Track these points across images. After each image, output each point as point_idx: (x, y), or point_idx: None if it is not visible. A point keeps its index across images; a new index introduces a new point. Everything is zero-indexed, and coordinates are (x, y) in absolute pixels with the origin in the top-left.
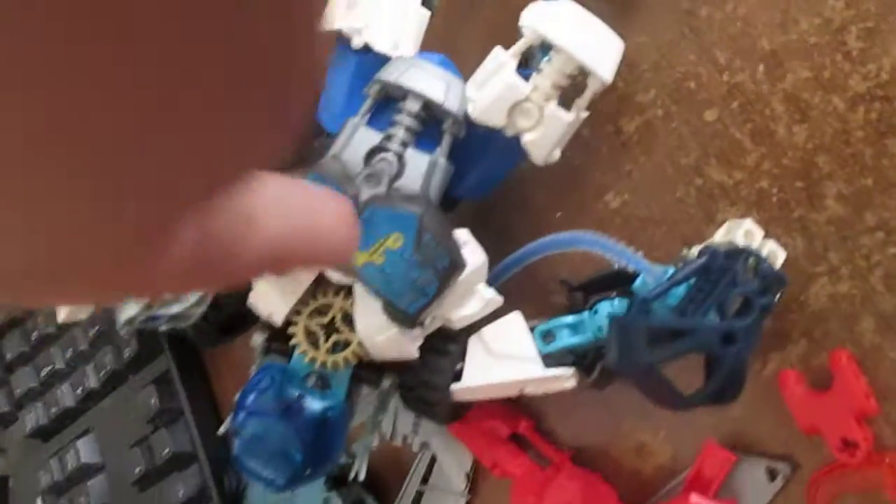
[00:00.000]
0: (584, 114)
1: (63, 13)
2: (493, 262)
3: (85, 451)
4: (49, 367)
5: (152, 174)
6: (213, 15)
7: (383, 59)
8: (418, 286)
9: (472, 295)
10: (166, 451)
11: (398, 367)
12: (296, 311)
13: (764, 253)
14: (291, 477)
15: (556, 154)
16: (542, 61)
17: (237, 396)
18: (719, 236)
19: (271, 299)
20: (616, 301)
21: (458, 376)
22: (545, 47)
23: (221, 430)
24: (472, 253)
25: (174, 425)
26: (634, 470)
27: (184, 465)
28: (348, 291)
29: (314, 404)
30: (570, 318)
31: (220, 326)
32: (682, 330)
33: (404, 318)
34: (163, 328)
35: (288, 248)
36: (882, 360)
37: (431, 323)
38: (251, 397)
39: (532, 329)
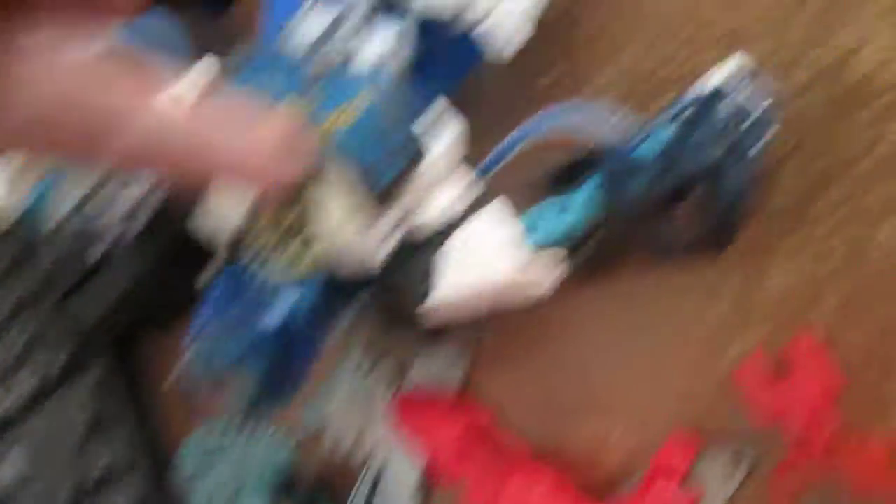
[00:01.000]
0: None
1: None
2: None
3: (14, 464)
4: None
5: None
6: None
7: None
8: (392, 146)
9: (449, 180)
10: (103, 461)
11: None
12: (247, 229)
13: (746, 94)
14: (254, 395)
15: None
16: None
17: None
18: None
19: (219, 213)
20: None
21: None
22: None
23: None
24: (450, 121)
25: (111, 434)
26: (594, 463)
27: (122, 475)
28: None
29: (278, 309)
30: (553, 200)
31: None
32: (670, 163)
33: (370, 200)
34: (99, 252)
35: (55, 119)
36: (845, 345)
37: (406, 217)
38: (207, 305)
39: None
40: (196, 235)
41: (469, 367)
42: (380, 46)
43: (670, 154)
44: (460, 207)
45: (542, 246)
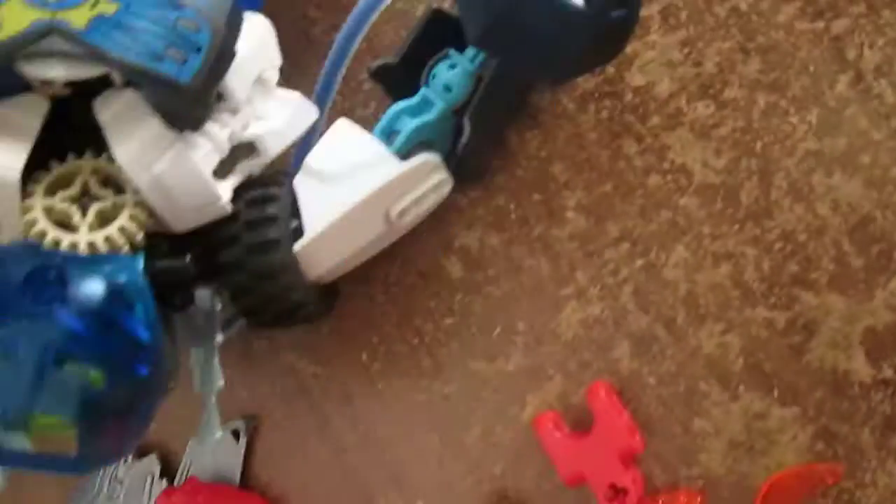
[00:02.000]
0: None
1: None
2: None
3: None
4: None
5: None
6: None
7: None
8: (180, 33)
9: (271, 98)
10: None
11: (214, 246)
12: (25, 195)
13: None
14: (83, 407)
15: None
16: None
17: None
18: None
19: None
20: (454, 57)
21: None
22: None
23: None
24: (250, 19)
25: None
26: None
27: None
28: (96, 146)
29: (91, 282)
30: (405, 103)
31: None
32: None
33: (182, 100)
34: None
35: None
36: (642, 388)
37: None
38: None
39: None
40: None
41: (249, 456)
42: None
43: None
44: (300, 127)
45: (408, 149)
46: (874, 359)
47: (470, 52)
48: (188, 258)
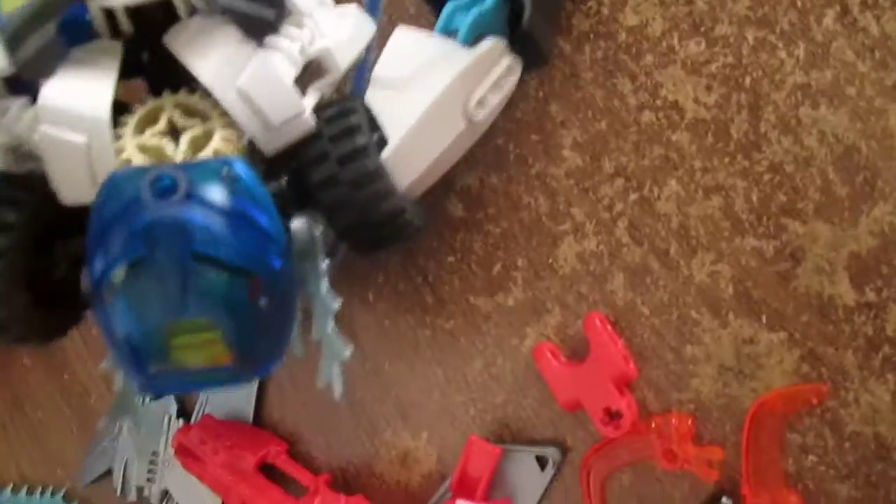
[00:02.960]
0: None
1: None
2: None
3: None
4: None
5: None
6: None
7: None
8: None
9: (331, 13)
10: None
11: (304, 168)
12: (116, 137)
13: None
14: (229, 308)
15: None
16: None
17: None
18: None
19: (78, 93)
20: None
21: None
22: None
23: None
24: None
25: None
26: (400, 482)
27: None
28: (175, 85)
29: (215, 182)
30: (457, 1)
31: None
32: None
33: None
34: None
35: None
36: (636, 317)
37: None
38: (105, 210)
39: None
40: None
41: (261, 396)
42: None
43: None
44: (362, 39)
45: (471, 41)
46: (858, 283)
47: None
48: (283, 180)
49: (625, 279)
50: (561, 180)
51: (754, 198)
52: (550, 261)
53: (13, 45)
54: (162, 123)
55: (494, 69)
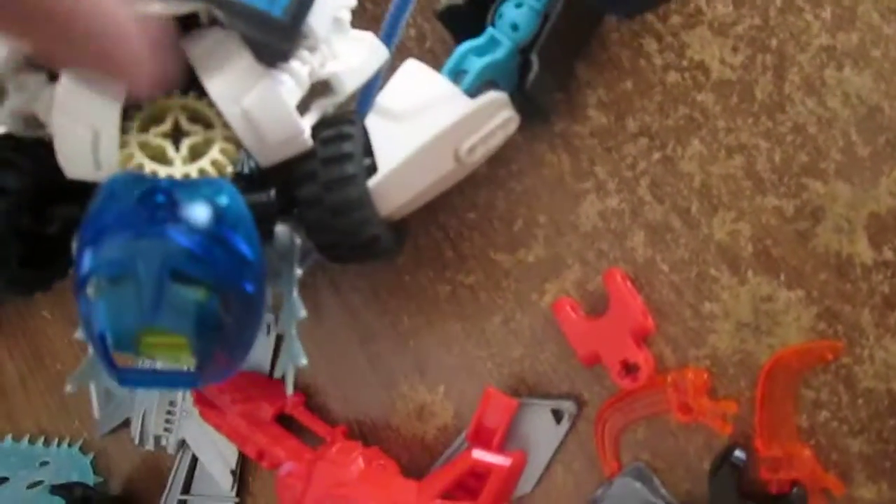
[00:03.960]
0: None
1: None
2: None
3: None
4: None
5: None
6: None
7: None
8: None
9: (346, 38)
10: None
11: (293, 183)
12: (123, 129)
13: None
14: (198, 323)
15: None
16: None
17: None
18: None
19: (83, 103)
20: None
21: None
22: None
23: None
24: None
25: None
26: (417, 435)
27: None
28: (184, 89)
29: (199, 204)
30: (472, 42)
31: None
32: None
33: (275, 33)
34: None
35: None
36: (655, 274)
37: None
38: (101, 215)
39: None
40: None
41: (279, 348)
42: None
43: None
44: (373, 66)
45: (475, 88)
46: (876, 242)
47: None
48: (272, 193)
49: (645, 236)
50: (585, 139)
51: (776, 158)
52: (572, 218)
53: None
54: (167, 124)
55: (491, 121)
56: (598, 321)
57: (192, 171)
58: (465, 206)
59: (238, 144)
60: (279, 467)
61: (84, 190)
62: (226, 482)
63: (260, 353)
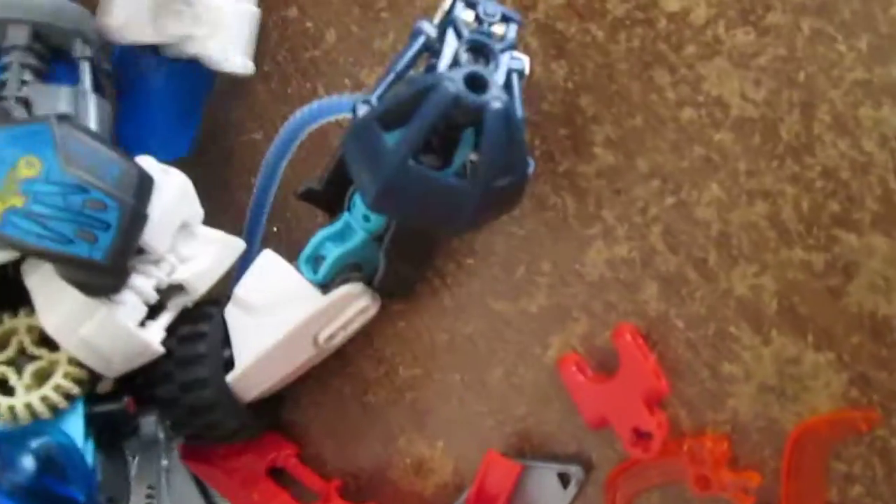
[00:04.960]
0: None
1: None
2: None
3: None
4: None
5: None
6: None
7: None
8: (89, 215)
9: (195, 240)
10: None
11: (149, 382)
12: None
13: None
14: None
15: (249, 59)
16: None
17: None
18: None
19: None
20: None
21: (230, 366)
22: None
23: None
24: (168, 173)
25: None
26: (415, 492)
27: None
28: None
29: (20, 459)
30: (328, 229)
31: None
32: (414, 95)
33: (99, 275)
34: None
35: None
36: (670, 330)
37: (166, 298)
38: None
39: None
40: None
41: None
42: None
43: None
44: (225, 263)
45: (331, 278)
46: None
47: None
48: (124, 401)
49: (658, 289)
50: (591, 180)
51: (804, 206)
52: (577, 266)
53: None
54: (11, 350)
55: (348, 310)
56: (608, 382)
57: (35, 399)
58: (463, 250)
59: (84, 365)
60: None
61: None
62: None
63: None
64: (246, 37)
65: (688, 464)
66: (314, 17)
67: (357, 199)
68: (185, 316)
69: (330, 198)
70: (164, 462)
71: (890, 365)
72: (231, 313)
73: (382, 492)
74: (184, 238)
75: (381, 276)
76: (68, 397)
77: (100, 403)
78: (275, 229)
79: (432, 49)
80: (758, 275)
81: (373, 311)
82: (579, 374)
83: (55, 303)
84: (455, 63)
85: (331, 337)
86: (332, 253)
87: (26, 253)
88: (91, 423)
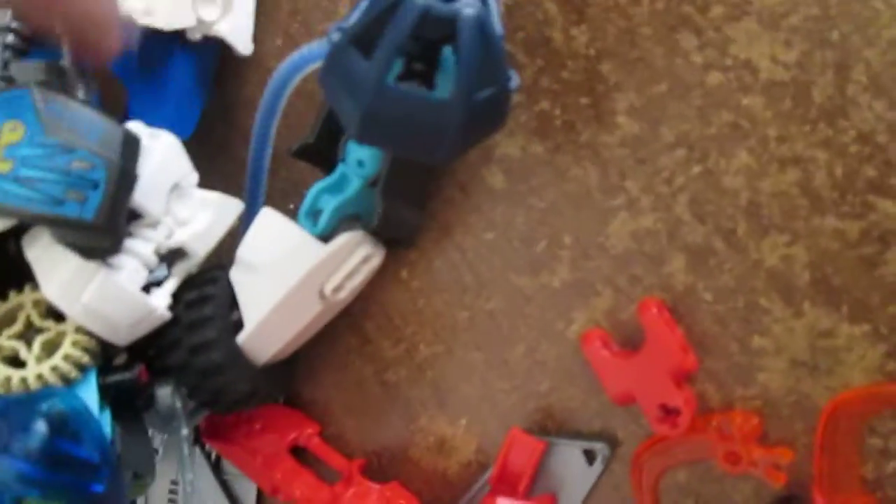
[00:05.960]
0: None
1: None
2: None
3: None
4: None
5: None
6: None
7: None
8: (76, 175)
9: (191, 201)
10: None
11: (160, 351)
12: None
13: None
14: None
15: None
16: None
17: None
18: None
19: None
20: None
21: (240, 329)
22: None
23: None
24: (156, 136)
25: None
26: (437, 471)
27: None
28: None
29: (32, 424)
30: (324, 181)
31: None
32: (384, 11)
33: (92, 235)
34: None
35: None
36: (697, 304)
37: (166, 263)
38: None
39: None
40: None
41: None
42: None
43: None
44: (224, 224)
45: (331, 230)
46: None
47: None
48: (136, 370)
49: (685, 261)
50: (614, 149)
51: (838, 172)
52: (601, 239)
53: None
54: (19, 324)
55: (350, 259)
56: (633, 358)
57: (45, 369)
58: (482, 224)
59: (91, 333)
60: (295, 501)
61: None
62: None
63: None
64: (251, 15)
65: (717, 440)
66: None
67: (349, 147)
68: (191, 282)
69: (325, 153)
70: (185, 431)
71: None
72: (236, 275)
73: (405, 470)
74: (179, 200)
75: (379, 218)
76: (79, 367)
77: (112, 374)
78: (290, 206)
79: None
80: (789, 245)
81: (377, 261)
82: (604, 349)
83: (55, 272)
84: None
85: (337, 289)
86: (330, 204)
87: (18, 217)
88: (105, 393)
